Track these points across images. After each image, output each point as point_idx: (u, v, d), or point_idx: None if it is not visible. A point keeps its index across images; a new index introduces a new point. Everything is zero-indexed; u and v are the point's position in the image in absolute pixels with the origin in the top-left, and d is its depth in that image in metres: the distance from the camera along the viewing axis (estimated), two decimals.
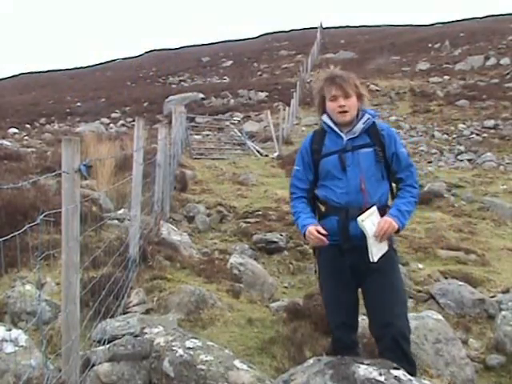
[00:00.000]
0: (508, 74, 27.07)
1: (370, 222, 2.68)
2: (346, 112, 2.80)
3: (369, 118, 2.83)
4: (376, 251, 2.69)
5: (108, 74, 48.77)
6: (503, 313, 4.53)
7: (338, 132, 2.85)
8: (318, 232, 2.71)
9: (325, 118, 2.90)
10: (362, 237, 2.68)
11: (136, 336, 3.26)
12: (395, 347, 2.69)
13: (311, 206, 2.93)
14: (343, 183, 2.77)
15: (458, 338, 4.13)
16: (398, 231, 2.75)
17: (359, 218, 2.66)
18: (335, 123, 2.86)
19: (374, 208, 2.73)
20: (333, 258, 2.83)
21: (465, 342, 4.31)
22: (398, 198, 2.84)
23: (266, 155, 17.44)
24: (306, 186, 2.92)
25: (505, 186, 12.78)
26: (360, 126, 2.82)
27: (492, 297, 5.25)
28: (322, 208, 2.88)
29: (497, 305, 4.98)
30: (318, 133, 2.95)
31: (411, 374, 2.56)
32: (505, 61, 29.32)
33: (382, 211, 2.77)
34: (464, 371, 3.73)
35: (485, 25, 41.90)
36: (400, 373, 2.48)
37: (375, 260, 2.68)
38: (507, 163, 16.33)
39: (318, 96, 2.92)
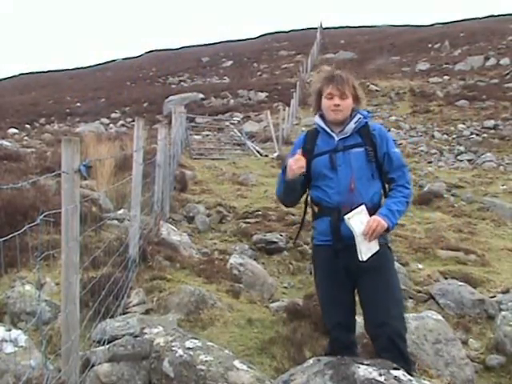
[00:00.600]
0: (508, 74, 27.07)
1: (357, 220, 2.69)
2: (339, 111, 2.82)
3: (360, 118, 2.85)
4: (365, 250, 2.69)
5: (108, 74, 48.76)
6: (503, 313, 4.53)
7: (330, 132, 2.87)
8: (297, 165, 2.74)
9: (317, 118, 2.93)
10: (354, 236, 2.69)
11: (136, 336, 3.26)
12: (391, 347, 2.69)
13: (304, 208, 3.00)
14: (334, 183, 2.79)
15: (458, 338, 4.14)
16: (387, 230, 2.75)
17: (346, 217, 2.67)
18: (327, 123, 2.88)
19: (362, 207, 2.73)
20: (327, 258, 2.84)
21: (465, 343, 4.31)
22: (389, 197, 2.84)
23: (266, 155, 17.44)
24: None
25: (505, 187, 12.79)
26: (351, 126, 2.84)
27: (492, 297, 5.25)
28: (316, 209, 2.90)
29: (497, 305, 4.98)
30: (310, 133, 2.97)
31: (409, 373, 2.56)
32: (504, 61, 29.32)
33: (374, 210, 2.77)
34: (464, 371, 3.73)
35: (485, 25, 41.90)
36: (400, 373, 2.48)
37: (364, 259, 2.68)
38: (507, 163, 16.34)
39: (314, 92, 2.94)
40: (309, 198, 3.00)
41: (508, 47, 32.13)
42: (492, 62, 29.91)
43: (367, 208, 2.74)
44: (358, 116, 2.85)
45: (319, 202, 2.86)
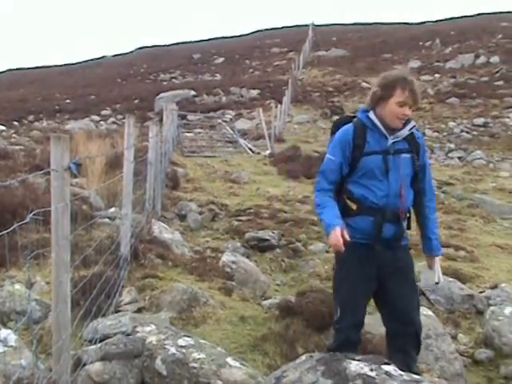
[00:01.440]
0: (497, 72, 27.25)
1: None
2: (403, 120, 2.81)
3: (414, 126, 2.88)
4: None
5: (98, 70, 48.47)
6: (491, 308, 4.58)
7: (385, 133, 2.83)
8: (342, 236, 2.72)
9: (372, 115, 2.86)
10: (392, 238, 2.82)
11: (128, 335, 3.26)
12: (416, 341, 2.88)
13: (336, 201, 2.90)
14: (384, 185, 2.79)
15: (448, 333, 4.17)
16: None
17: (437, 281, 3.00)
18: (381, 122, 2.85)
19: (437, 259, 3.02)
20: (361, 256, 2.84)
21: (454, 337, 4.34)
22: (428, 219, 2.97)
23: (258, 153, 17.44)
24: (337, 179, 2.88)
25: (494, 184, 12.90)
26: (405, 132, 2.84)
27: (481, 292, 5.29)
28: (353, 206, 2.85)
29: (485, 300, 5.02)
30: (358, 127, 2.86)
31: (417, 356, 2.92)
32: (494, 59, 29.51)
33: (406, 214, 2.90)
34: (453, 366, 3.77)
35: (475, 23, 42.10)
36: (391, 368, 2.50)
37: None
38: (496, 161, 16.48)
39: (384, 89, 2.83)
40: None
41: (498, 45, 32.33)
42: (482, 60, 30.08)
43: (404, 212, 2.87)
44: (412, 123, 2.87)
45: (361, 200, 2.82)
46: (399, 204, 2.81)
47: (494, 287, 5.47)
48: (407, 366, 2.76)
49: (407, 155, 2.84)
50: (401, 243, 2.89)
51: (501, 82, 25.50)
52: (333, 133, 3.03)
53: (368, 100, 2.93)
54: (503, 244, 7.79)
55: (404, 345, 2.87)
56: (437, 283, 3.00)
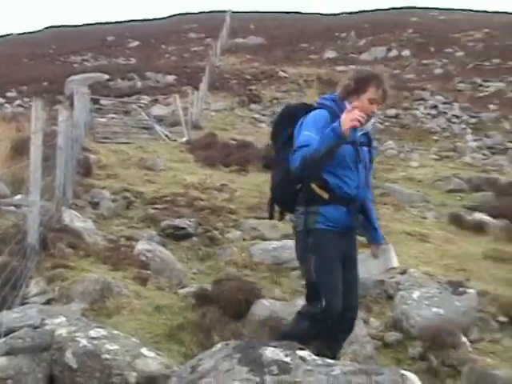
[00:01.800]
0: (408, 65, 28.74)
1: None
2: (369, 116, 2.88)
3: (375, 122, 2.99)
4: None
5: (2, 49, 45.31)
6: (401, 293, 4.82)
7: None
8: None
9: (348, 106, 2.85)
10: (356, 226, 3.04)
11: (36, 328, 3.10)
12: (350, 326, 3.10)
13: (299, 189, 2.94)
14: (355, 176, 2.90)
15: (360, 318, 4.34)
16: None
17: (395, 266, 3.23)
18: None
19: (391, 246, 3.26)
20: (335, 241, 2.92)
21: (366, 322, 4.51)
22: (371, 211, 3.16)
23: (175, 140, 17.18)
24: None
25: (404, 173, 13.64)
26: (369, 126, 2.95)
27: (391, 278, 5.55)
28: (325, 195, 2.88)
29: (395, 285, 5.26)
30: (332, 114, 2.86)
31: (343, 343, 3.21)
32: (405, 53, 31.10)
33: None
34: (365, 349, 3.93)
35: (388, 17, 43.93)
36: (305, 353, 2.55)
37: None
38: (407, 151, 17.41)
39: (358, 83, 2.86)
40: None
41: (408, 40, 34.05)
42: (394, 53, 31.61)
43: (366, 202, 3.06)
44: (374, 120, 3.01)
45: (335, 190, 2.88)
46: (366, 195, 3.03)
47: (404, 273, 5.74)
48: (333, 352, 2.87)
49: (366, 148, 3.00)
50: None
51: (411, 75, 26.92)
52: (283, 119, 3.06)
53: (339, 91, 2.97)
54: (412, 231, 8.22)
55: (336, 331, 2.99)
56: (392, 268, 3.17)
